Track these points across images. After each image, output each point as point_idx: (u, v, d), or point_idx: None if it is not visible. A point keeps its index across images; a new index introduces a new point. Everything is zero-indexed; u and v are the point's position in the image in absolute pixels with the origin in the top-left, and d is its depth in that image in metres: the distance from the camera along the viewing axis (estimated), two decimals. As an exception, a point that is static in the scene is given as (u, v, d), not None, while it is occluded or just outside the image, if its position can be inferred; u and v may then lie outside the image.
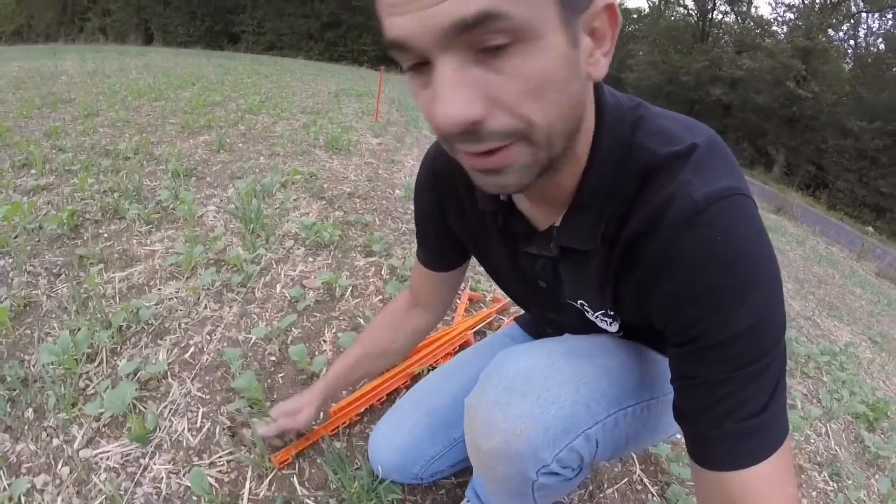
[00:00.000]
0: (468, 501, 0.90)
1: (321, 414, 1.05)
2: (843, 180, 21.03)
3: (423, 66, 0.40)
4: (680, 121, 0.53)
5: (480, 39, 0.36)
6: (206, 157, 2.85)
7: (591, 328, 0.68)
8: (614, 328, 0.64)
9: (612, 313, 0.61)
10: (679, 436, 0.61)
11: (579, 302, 0.63)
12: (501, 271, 0.74)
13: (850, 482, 1.52)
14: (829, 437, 1.72)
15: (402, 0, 0.36)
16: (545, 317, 0.79)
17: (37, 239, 1.71)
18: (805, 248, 6.80)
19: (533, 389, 0.58)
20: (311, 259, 1.83)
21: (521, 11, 0.36)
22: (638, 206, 0.50)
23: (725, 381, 0.47)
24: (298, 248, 1.89)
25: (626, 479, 1.16)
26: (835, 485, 1.50)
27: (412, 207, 2.49)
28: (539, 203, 0.57)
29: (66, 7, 25.10)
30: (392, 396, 1.23)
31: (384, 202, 2.55)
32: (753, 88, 23.46)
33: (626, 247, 0.52)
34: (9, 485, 0.93)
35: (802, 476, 1.47)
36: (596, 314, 0.63)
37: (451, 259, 0.84)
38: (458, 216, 0.73)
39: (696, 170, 0.47)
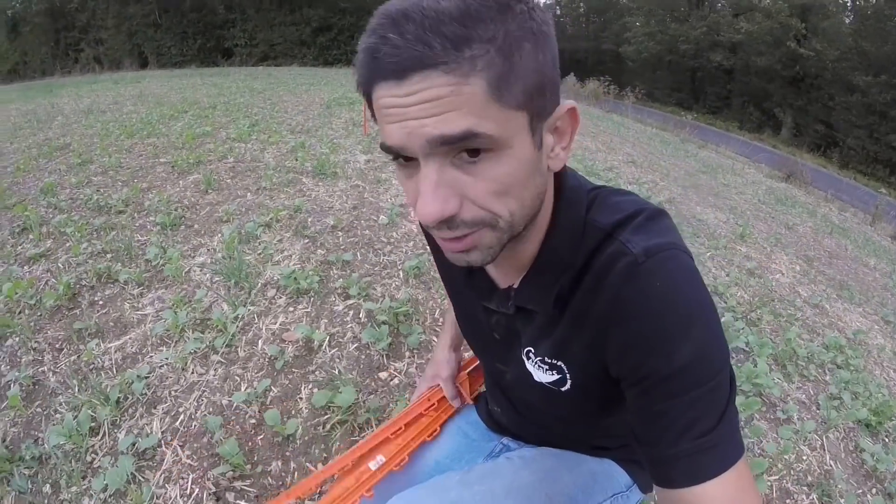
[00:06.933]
0: None
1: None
2: (854, 137, 20.42)
3: (408, 160, 0.47)
4: (631, 198, 0.60)
5: (458, 148, 0.44)
6: (194, 199, 2.94)
7: (531, 388, 0.73)
8: (549, 378, 0.69)
9: (549, 361, 0.66)
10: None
11: (526, 349, 0.69)
12: (466, 317, 0.81)
13: (842, 501, 1.48)
14: (824, 450, 1.68)
15: (398, 113, 0.43)
16: (495, 368, 0.85)
17: (38, 314, 1.83)
18: (816, 218, 6.64)
19: None
20: (291, 309, 1.89)
21: (496, 128, 0.43)
22: (586, 271, 0.56)
23: (678, 405, 0.51)
24: (280, 298, 1.95)
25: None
26: (825, 506, 1.45)
27: (395, 235, 2.61)
28: (501, 266, 0.65)
29: (59, 41, 25.17)
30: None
31: (367, 232, 2.60)
32: (754, 51, 22.80)
33: (578, 308, 0.58)
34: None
35: (787, 501, 1.44)
36: (535, 360, 0.68)
37: None
38: (441, 260, 0.80)
39: (635, 231, 0.54)
